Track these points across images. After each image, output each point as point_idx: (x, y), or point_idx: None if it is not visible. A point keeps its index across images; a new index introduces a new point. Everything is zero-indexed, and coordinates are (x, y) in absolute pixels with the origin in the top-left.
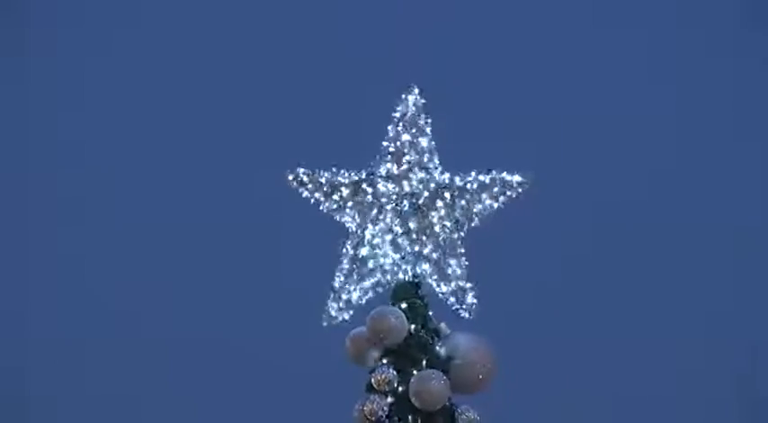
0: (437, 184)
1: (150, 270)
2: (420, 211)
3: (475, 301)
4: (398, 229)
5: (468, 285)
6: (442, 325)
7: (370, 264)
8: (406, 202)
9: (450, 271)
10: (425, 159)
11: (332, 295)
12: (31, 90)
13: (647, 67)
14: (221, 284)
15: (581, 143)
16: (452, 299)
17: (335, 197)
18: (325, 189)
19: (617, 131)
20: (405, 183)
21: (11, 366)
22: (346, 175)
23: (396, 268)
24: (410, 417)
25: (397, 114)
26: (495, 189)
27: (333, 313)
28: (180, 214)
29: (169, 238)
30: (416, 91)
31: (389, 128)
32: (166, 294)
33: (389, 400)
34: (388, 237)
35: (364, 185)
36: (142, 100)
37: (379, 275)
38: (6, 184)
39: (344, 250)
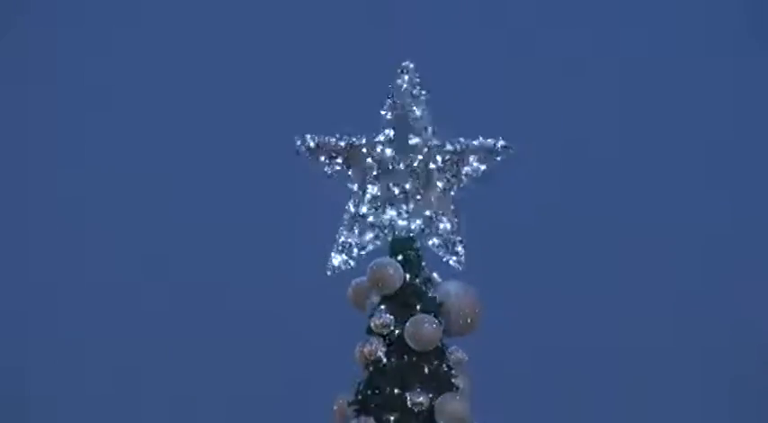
0: (430, 148)
1: (150, 265)
2: (415, 172)
3: (463, 252)
4: (395, 189)
5: (458, 239)
6: (434, 274)
7: (370, 220)
8: (402, 164)
9: (441, 227)
10: (419, 126)
11: (335, 248)
12: (31, 90)
13: (644, 52)
14: (226, 268)
15: (571, 110)
16: (443, 251)
17: (339, 160)
18: (329, 153)
19: (607, 105)
20: (401, 147)
21: (11, 366)
22: (349, 140)
23: (393, 224)
24: (405, 357)
25: (395, 85)
26: (483, 153)
27: (336, 264)
28: (183, 201)
29: (169, 230)
30: (412, 65)
31: (387, 98)
32: (166, 290)
33: (387, 341)
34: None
35: (365, 150)
36: (143, 89)
37: (377, 231)
38: (6, 184)
39: (347, 208)
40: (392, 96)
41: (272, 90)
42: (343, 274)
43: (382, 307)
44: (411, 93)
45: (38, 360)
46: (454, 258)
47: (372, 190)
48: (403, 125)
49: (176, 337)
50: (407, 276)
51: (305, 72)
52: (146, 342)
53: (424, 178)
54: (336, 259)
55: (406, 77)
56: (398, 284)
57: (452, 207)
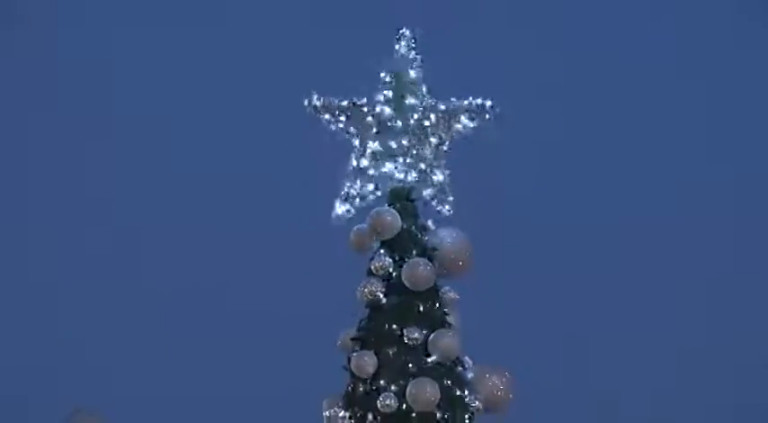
0: (425, 107)
1: (150, 253)
2: (411, 129)
3: (452, 200)
4: (393, 145)
5: (449, 189)
6: (429, 222)
7: (370, 172)
8: (399, 122)
9: (434, 178)
10: (415, 88)
11: (339, 198)
12: (31, 90)
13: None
14: (231, 256)
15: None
16: (436, 200)
17: (342, 119)
18: (333, 112)
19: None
20: (398, 106)
21: (11, 366)
22: (351, 100)
23: (391, 176)
24: (402, 296)
25: (393, 51)
26: (472, 112)
27: (340, 212)
28: (182, 197)
29: (169, 225)
30: (408, 33)
31: (386, 61)
32: (166, 286)
33: (385, 282)
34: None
35: (365, 109)
36: (143, 86)
37: (377, 182)
38: (6, 183)
39: (349, 162)
40: (390, 60)
41: (274, 74)
42: (346, 222)
43: (381, 251)
44: (407, 57)
45: (37, 360)
46: (446, 207)
47: (372, 145)
48: (400, 86)
49: (178, 333)
50: (404, 223)
51: (309, 40)
52: (147, 338)
53: (420, 135)
54: (340, 208)
55: (403, 43)
56: (396, 231)
57: (444, 161)
